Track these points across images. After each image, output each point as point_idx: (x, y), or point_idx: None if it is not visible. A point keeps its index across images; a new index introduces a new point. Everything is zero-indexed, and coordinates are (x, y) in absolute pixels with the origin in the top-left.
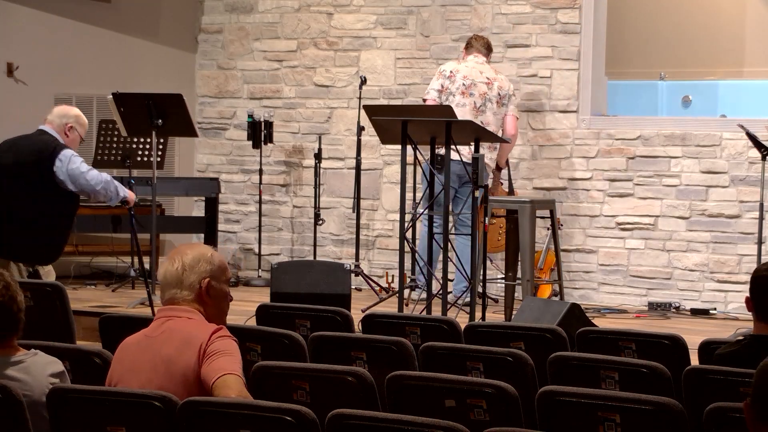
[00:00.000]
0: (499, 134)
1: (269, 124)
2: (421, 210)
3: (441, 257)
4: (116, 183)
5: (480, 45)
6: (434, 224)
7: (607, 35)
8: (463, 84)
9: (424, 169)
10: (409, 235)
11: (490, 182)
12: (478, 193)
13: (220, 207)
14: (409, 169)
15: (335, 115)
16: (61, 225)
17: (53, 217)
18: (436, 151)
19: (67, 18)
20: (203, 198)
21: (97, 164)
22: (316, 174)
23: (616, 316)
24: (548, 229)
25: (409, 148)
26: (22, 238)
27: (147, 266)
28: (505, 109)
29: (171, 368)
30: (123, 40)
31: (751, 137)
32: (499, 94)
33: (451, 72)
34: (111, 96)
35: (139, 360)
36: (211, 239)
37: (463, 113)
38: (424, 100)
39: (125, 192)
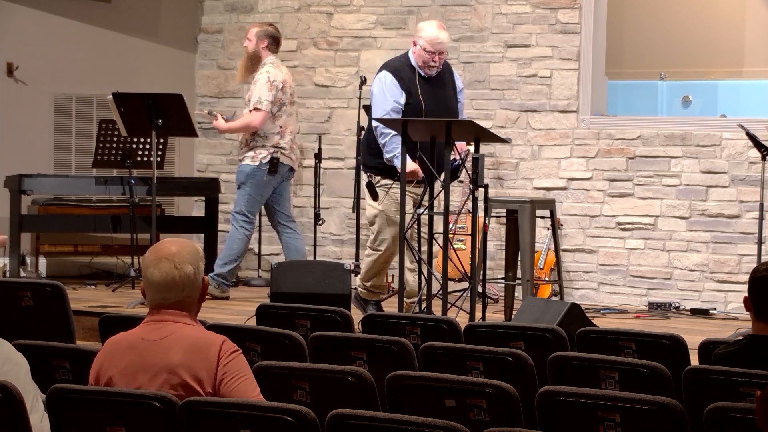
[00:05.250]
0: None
1: None
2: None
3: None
4: (393, 146)
5: None
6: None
7: (607, 35)
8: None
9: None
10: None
11: None
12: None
13: (220, 207)
14: None
15: (335, 115)
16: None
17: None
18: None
19: (67, 18)
20: (203, 198)
21: (97, 164)
22: (316, 174)
23: (616, 316)
24: (548, 229)
25: None
26: (364, 153)
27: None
28: None
29: (175, 375)
30: (123, 40)
31: (751, 137)
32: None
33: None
34: (111, 96)
35: (136, 363)
36: (211, 239)
37: None
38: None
39: (398, 162)
